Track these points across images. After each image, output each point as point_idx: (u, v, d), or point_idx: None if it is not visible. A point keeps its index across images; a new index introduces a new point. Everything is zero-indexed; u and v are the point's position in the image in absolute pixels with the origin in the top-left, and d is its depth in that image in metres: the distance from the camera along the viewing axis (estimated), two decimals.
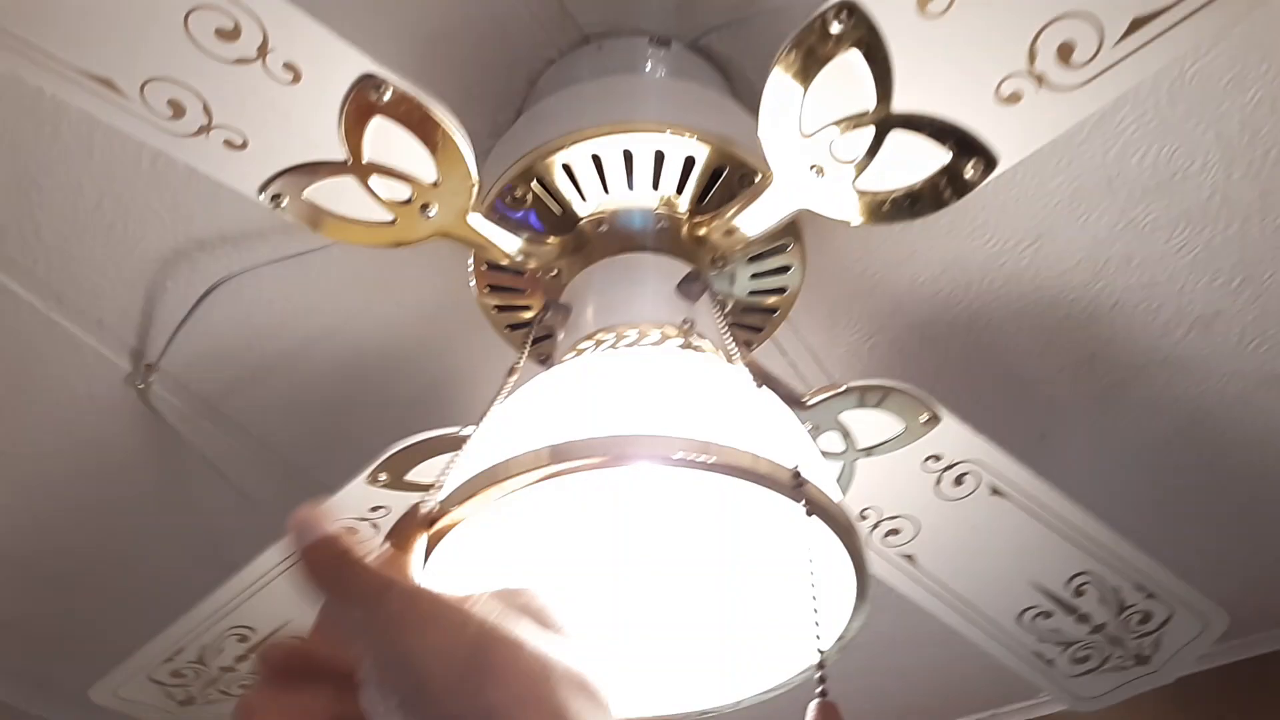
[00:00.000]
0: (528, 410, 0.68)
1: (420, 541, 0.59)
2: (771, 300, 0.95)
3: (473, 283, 0.95)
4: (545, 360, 0.93)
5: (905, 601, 1.11)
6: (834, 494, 0.65)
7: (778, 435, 0.65)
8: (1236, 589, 1.50)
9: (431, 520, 0.61)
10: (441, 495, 0.63)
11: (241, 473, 1.35)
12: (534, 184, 0.84)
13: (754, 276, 0.92)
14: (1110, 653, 1.19)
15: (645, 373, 0.69)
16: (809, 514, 0.59)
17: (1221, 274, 1.19)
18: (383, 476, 0.96)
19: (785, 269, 0.92)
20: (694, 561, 0.71)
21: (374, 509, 1.00)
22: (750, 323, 0.97)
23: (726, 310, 0.93)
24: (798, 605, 0.71)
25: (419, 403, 1.26)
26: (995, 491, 1.02)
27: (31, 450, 1.32)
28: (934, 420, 0.95)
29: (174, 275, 1.16)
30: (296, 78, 0.68)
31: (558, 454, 0.60)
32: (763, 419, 0.65)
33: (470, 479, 0.62)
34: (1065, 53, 0.68)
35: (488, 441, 0.66)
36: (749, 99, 1.00)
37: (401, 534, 0.60)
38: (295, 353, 1.23)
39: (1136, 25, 0.67)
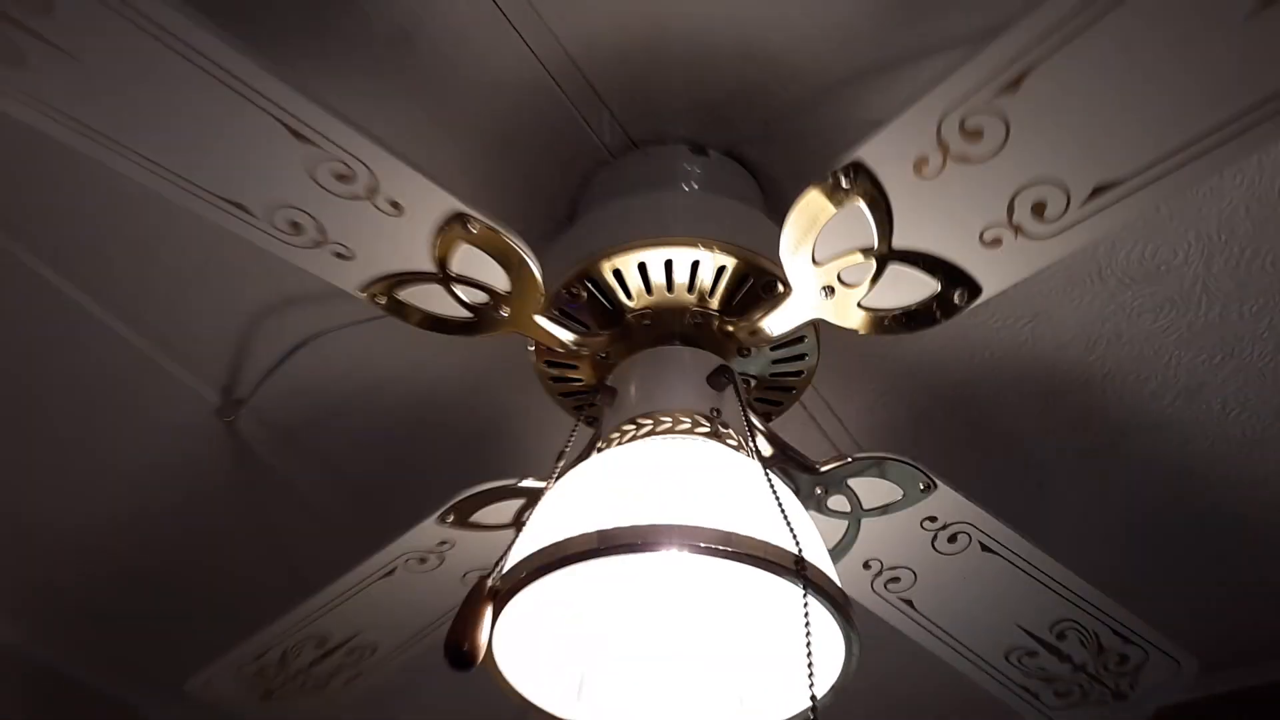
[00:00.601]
0: (579, 493, 0.82)
1: (488, 612, 0.74)
2: (790, 380, 1.09)
3: (531, 350, 1.09)
4: (593, 423, 1.07)
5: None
6: (830, 574, 0.79)
7: (785, 516, 0.79)
8: (1215, 630, 1.63)
9: (495, 593, 0.76)
10: (507, 567, 0.78)
11: (315, 495, 1.51)
12: (588, 283, 0.98)
13: (775, 362, 1.05)
14: (1091, 690, 1.31)
15: (677, 463, 0.84)
16: (805, 594, 0.73)
17: (1204, 351, 1.31)
18: (450, 518, 1.11)
19: (803, 355, 1.05)
20: (714, 617, 0.86)
21: (440, 544, 1.15)
22: (772, 398, 1.10)
23: (750, 388, 1.08)
24: (798, 657, 0.86)
25: (476, 443, 1.41)
26: (985, 548, 1.15)
27: (133, 468, 1.48)
28: (931, 488, 1.09)
29: (265, 326, 1.31)
30: (399, 211, 0.83)
31: (604, 539, 0.74)
32: (773, 508, 0.80)
33: (531, 554, 0.76)
34: (1039, 209, 0.81)
35: (547, 519, 0.80)
36: (774, 199, 1.14)
37: (472, 604, 0.75)
38: (369, 393, 1.38)
39: (1099, 191, 0.80)
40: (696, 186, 1.05)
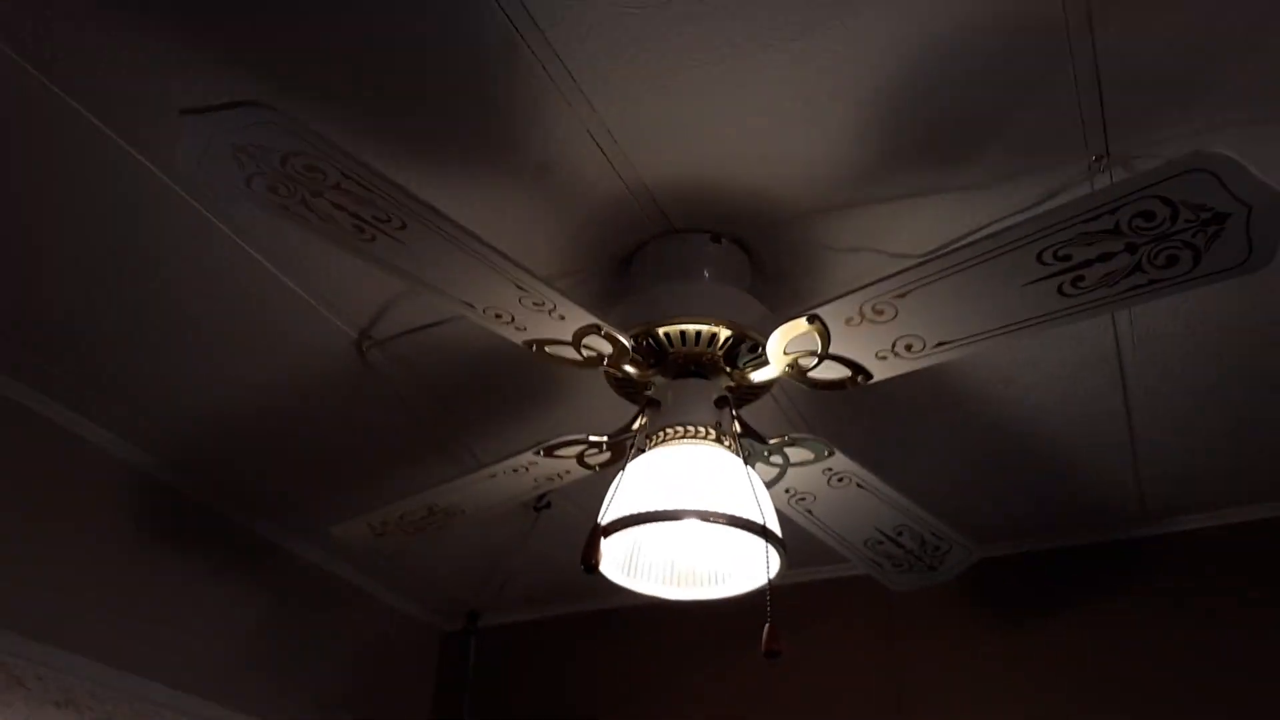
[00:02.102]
0: (642, 478, 1.52)
1: (600, 538, 1.45)
2: (762, 388, 1.78)
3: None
4: (639, 414, 1.75)
5: None
6: (777, 529, 1.52)
7: (756, 500, 1.51)
8: (1004, 518, 2.48)
9: (605, 531, 1.47)
10: (606, 519, 1.48)
11: (417, 403, 2.17)
12: (647, 338, 1.65)
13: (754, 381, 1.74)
14: (915, 564, 2.11)
15: (698, 461, 1.54)
16: (767, 544, 1.46)
17: (1013, 360, 2.04)
18: (540, 451, 1.79)
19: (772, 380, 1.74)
20: (715, 548, 1.59)
21: (530, 463, 1.84)
22: (752, 395, 1.79)
23: (738, 391, 1.76)
24: (755, 567, 1.59)
25: (544, 398, 2.10)
26: (859, 486, 1.90)
27: (281, 368, 2.12)
28: (831, 454, 1.81)
29: (406, 297, 1.93)
30: (564, 319, 1.48)
31: (657, 513, 1.45)
32: (750, 491, 1.51)
33: (621, 516, 1.47)
34: (909, 346, 1.50)
35: (627, 492, 1.51)
36: (760, 272, 1.80)
37: (594, 533, 1.46)
38: (470, 348, 2.02)
39: (941, 343, 1.49)
40: (712, 274, 1.71)
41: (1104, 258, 1.32)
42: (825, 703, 2.72)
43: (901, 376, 2.05)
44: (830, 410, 2.19)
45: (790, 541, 2.17)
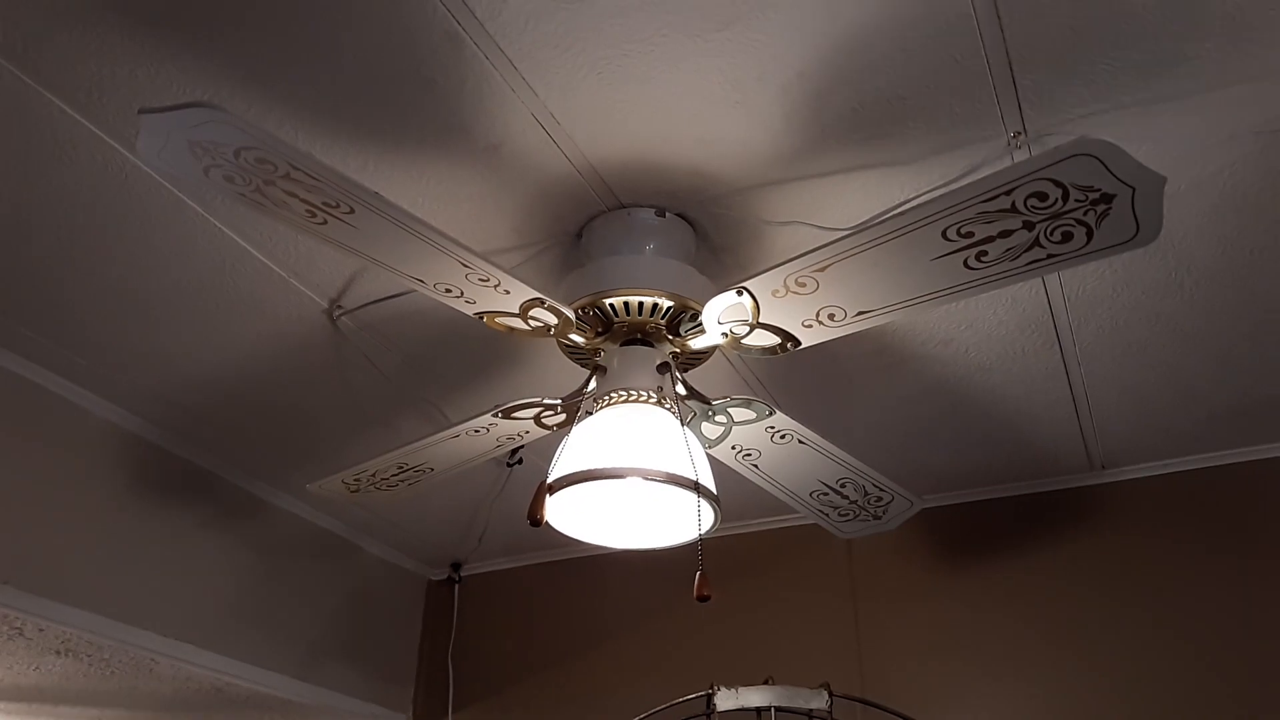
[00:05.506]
0: (587, 439, 1.64)
1: (546, 495, 1.57)
2: (706, 353, 1.89)
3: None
4: (589, 379, 1.86)
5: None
6: (711, 485, 1.64)
7: (690, 458, 1.63)
8: (942, 469, 2.60)
9: (550, 489, 1.59)
10: (553, 477, 1.60)
11: (386, 366, 2.29)
12: (594, 308, 1.75)
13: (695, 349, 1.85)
14: (859, 513, 2.24)
15: (639, 423, 1.66)
16: (699, 497, 1.58)
17: (952, 321, 2.15)
18: (499, 413, 1.91)
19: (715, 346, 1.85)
20: (654, 502, 1.71)
21: (489, 425, 1.95)
22: (696, 360, 1.91)
23: (683, 355, 1.88)
24: (692, 520, 1.71)
25: (508, 361, 2.21)
26: (800, 442, 2.02)
27: (256, 337, 2.23)
28: (772, 413, 1.93)
29: (371, 269, 2.04)
30: (508, 294, 1.58)
31: (599, 471, 1.57)
32: (686, 451, 1.63)
33: (566, 474, 1.59)
34: (831, 316, 1.61)
35: (573, 452, 1.62)
36: (703, 242, 1.90)
37: (540, 490, 1.58)
38: (440, 310, 2.13)
39: (861, 313, 1.60)
40: (657, 246, 1.81)
41: (1004, 234, 1.42)
42: (790, 641, 2.86)
43: (847, 337, 2.19)
44: (783, 370, 2.30)
45: (752, 493, 2.34)
